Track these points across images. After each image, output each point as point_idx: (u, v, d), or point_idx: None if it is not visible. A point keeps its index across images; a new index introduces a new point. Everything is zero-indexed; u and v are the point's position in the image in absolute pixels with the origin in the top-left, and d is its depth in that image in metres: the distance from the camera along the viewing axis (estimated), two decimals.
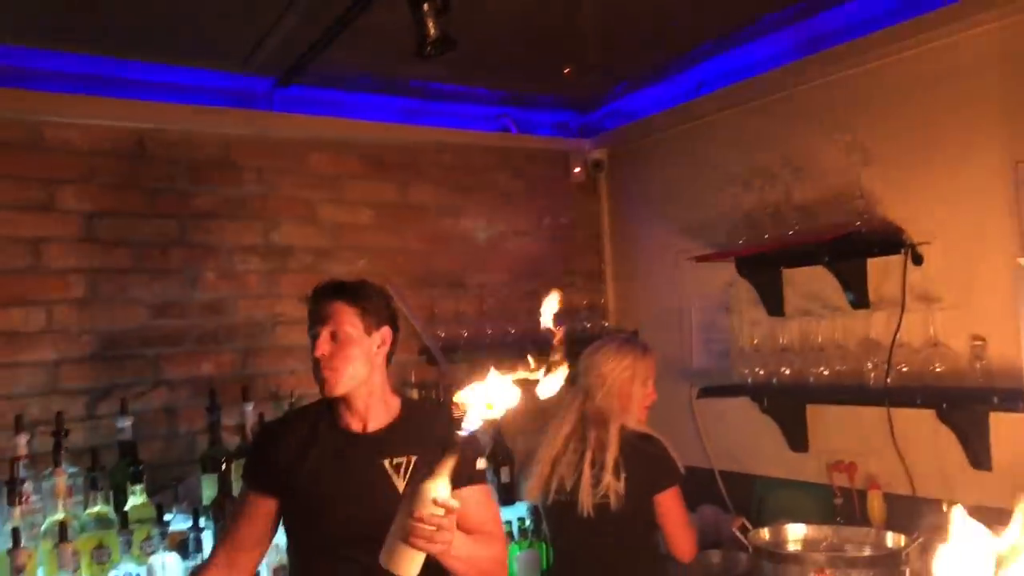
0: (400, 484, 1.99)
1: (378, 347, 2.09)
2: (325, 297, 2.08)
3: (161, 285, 2.96)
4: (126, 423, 2.71)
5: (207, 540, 2.63)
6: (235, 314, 3.10)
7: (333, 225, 3.38)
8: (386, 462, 2.02)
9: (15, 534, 2.37)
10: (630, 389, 2.63)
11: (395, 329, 2.15)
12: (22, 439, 2.54)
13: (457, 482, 2.01)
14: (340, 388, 2.04)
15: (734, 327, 3.35)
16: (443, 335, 3.52)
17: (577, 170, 4.00)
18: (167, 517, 2.62)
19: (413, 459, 2.02)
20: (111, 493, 2.62)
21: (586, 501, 2.50)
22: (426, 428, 2.08)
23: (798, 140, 3.14)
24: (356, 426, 2.08)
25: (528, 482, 2.67)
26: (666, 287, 3.76)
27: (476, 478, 2.07)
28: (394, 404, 2.13)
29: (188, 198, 3.04)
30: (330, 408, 2.11)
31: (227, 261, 3.11)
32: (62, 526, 2.42)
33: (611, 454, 2.51)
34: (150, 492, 2.67)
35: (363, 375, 2.05)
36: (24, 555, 2.37)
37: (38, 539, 2.45)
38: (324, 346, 2.03)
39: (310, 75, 3.14)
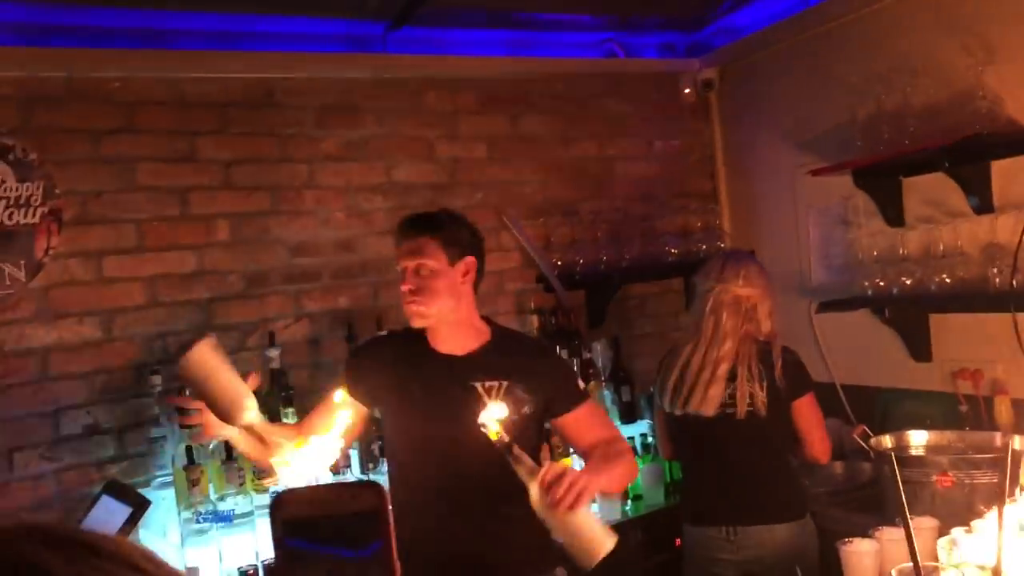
0: None
1: (463, 276, 2.17)
2: (408, 232, 2.15)
3: (297, 225, 3.17)
4: (275, 353, 2.96)
5: (355, 458, 2.87)
6: (365, 250, 3.29)
7: (449, 161, 3.51)
8: (478, 384, 2.11)
9: (188, 452, 2.65)
10: (772, 303, 2.71)
11: (479, 255, 2.21)
12: None
13: (564, 408, 2.15)
14: (428, 320, 2.15)
15: (853, 240, 3.32)
16: (559, 262, 3.63)
17: (687, 91, 3.99)
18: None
19: (505, 384, 2.11)
20: (267, 417, 2.87)
21: (740, 410, 2.59)
22: (516, 355, 2.20)
23: (915, 44, 3.05)
24: (447, 350, 2.19)
25: (689, 393, 2.67)
26: (782, 204, 3.74)
27: (579, 398, 2.21)
28: (484, 329, 2.23)
29: (316, 142, 3.22)
30: (425, 332, 2.22)
31: (354, 200, 3.29)
32: (227, 446, 2.70)
33: (756, 363, 2.60)
34: (300, 415, 2.91)
35: (450, 306, 2.14)
36: (197, 471, 2.66)
37: (207, 458, 2.74)
38: (411, 281, 2.12)
39: (420, 16, 3.24)
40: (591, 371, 3.47)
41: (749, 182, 3.98)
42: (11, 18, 2.74)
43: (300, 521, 0.80)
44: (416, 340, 2.23)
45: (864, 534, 2.03)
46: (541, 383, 2.18)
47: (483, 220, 3.47)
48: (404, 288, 2.14)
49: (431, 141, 3.47)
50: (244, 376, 1.96)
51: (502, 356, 2.19)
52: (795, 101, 3.64)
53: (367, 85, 3.33)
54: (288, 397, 2.90)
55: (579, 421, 2.20)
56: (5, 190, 2.69)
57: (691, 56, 4.04)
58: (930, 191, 3.02)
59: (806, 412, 2.66)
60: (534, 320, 3.56)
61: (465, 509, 2.10)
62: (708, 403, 2.62)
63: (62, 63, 2.80)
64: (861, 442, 2.63)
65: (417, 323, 2.17)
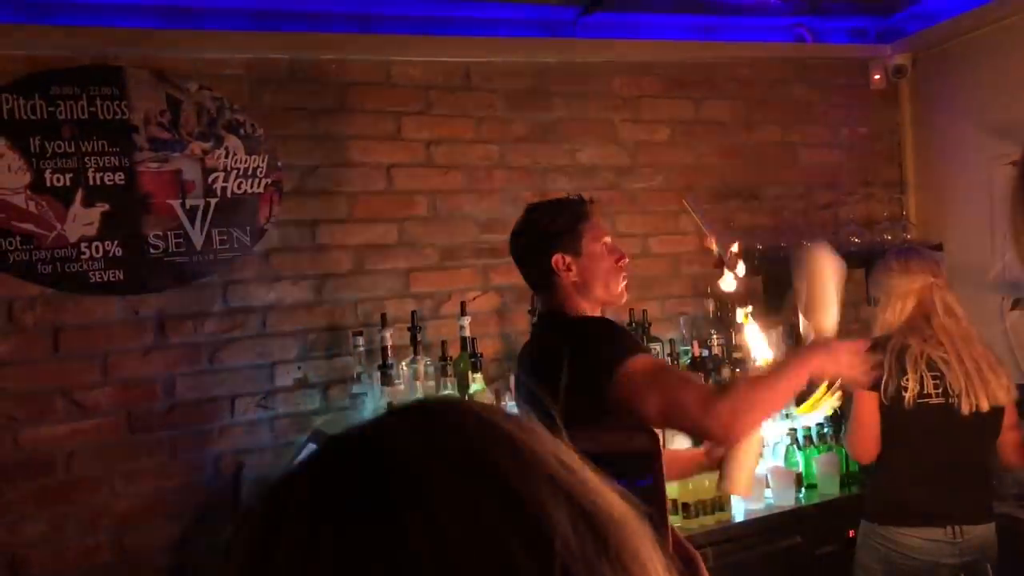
0: None
1: None
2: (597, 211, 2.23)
3: (487, 204, 3.33)
4: (465, 322, 3.13)
5: None
6: None
7: (632, 144, 3.57)
8: None
9: (388, 408, 2.85)
10: None
11: None
12: (388, 333, 3.03)
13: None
14: None
15: None
16: (737, 249, 3.63)
17: (877, 77, 3.89)
18: (503, 403, 3.03)
19: None
20: (456, 380, 3.05)
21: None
22: None
23: None
24: None
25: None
26: (975, 195, 3.60)
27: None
28: None
29: (507, 124, 3.37)
30: None
31: (540, 181, 3.41)
32: None
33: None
34: (487, 380, 3.08)
35: None
36: None
37: None
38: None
39: (611, 1, 3.32)
40: None
41: (939, 172, 3.85)
42: (241, 4, 3.01)
43: (587, 454, 0.92)
44: None
45: None
46: None
47: (662, 203, 3.56)
48: (624, 261, 2.18)
49: (615, 124, 3.55)
50: None
51: None
52: (994, 90, 3.49)
53: (557, 69, 3.45)
54: (476, 364, 3.06)
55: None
56: (236, 162, 2.97)
57: (882, 42, 3.93)
58: None
59: (1012, 417, 2.65)
60: (710, 304, 3.59)
61: None
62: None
63: (286, 46, 3.05)
64: None
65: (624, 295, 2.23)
